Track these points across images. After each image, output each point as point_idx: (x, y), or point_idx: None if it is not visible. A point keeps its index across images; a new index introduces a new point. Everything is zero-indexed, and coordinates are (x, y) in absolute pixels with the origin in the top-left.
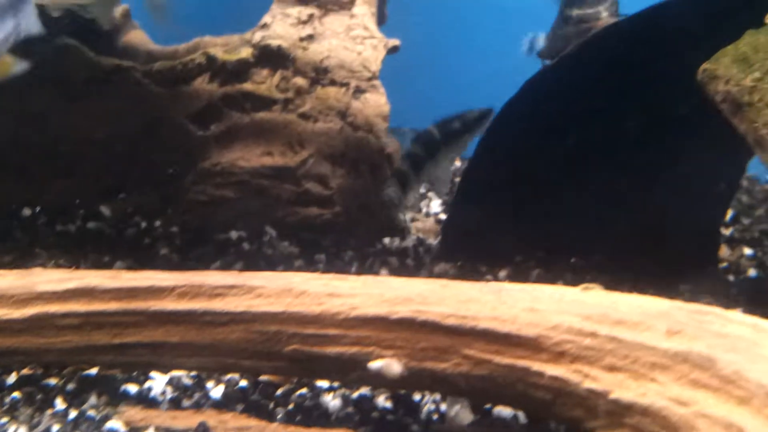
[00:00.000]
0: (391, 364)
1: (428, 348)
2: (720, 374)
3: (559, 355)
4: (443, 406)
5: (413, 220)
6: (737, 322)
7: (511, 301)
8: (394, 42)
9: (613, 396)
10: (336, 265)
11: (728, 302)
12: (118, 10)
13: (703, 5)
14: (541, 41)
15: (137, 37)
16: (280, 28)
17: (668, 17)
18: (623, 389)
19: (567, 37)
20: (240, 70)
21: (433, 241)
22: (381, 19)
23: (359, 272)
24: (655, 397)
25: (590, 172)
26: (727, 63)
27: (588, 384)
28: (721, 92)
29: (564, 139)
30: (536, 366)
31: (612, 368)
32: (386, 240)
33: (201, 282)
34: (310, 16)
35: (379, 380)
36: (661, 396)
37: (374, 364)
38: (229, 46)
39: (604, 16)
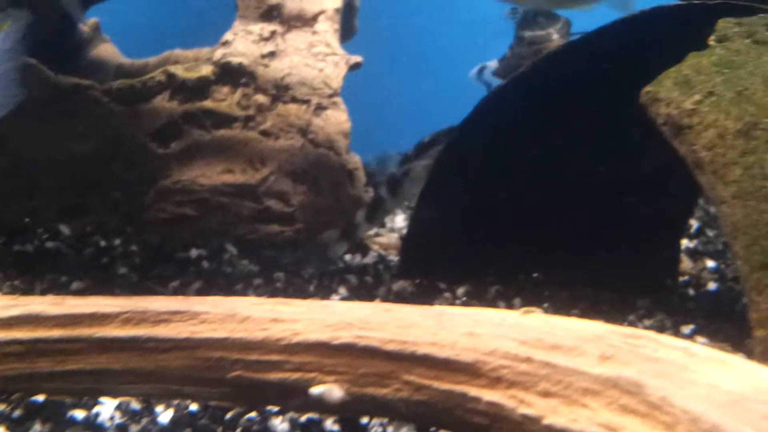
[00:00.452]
0: (332, 390)
1: (369, 374)
2: (648, 400)
3: (495, 381)
4: (390, 429)
5: (377, 235)
6: (669, 346)
7: (452, 325)
8: (356, 59)
9: (546, 422)
10: (295, 283)
11: (684, 317)
12: (88, 24)
13: (650, 26)
14: (491, 67)
15: (107, 50)
16: (241, 45)
17: (614, 39)
18: (556, 415)
19: (520, 58)
20: (200, 88)
21: (394, 257)
22: (350, 32)
23: (318, 291)
24: (586, 422)
25: (546, 189)
26: (669, 85)
27: (523, 410)
28: (662, 115)
29: (517, 157)
30: (474, 391)
31: (546, 394)
32: (347, 257)
33: (145, 308)
34: (273, 33)
35: (321, 406)
36: (592, 422)
37: (316, 390)
38: (199, 60)
39: (555, 38)
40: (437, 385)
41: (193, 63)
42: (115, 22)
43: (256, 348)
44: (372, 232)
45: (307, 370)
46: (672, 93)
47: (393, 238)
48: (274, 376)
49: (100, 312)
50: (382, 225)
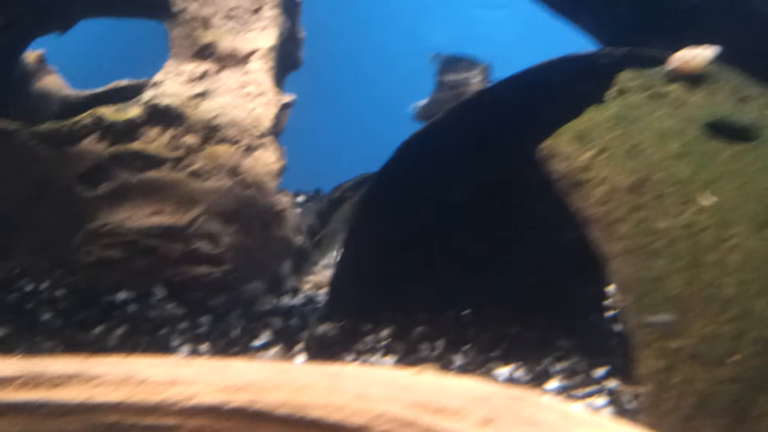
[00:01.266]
0: None
1: None
2: None
3: None
4: None
5: (310, 272)
6: (547, 408)
7: (345, 387)
8: (288, 98)
9: None
10: (219, 327)
11: (600, 358)
12: (33, 55)
13: (563, 73)
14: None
15: (52, 81)
16: (171, 86)
17: (528, 85)
18: None
19: (441, 102)
20: (129, 130)
21: (324, 297)
22: (294, 65)
23: (241, 335)
24: None
25: (466, 230)
26: (566, 140)
27: None
28: (558, 170)
29: (437, 199)
30: None
31: None
32: (277, 298)
33: (43, 371)
34: (205, 72)
35: None
36: None
37: None
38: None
39: (475, 82)
40: None
41: (122, 105)
42: (64, 53)
43: (151, 412)
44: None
45: None
46: (568, 148)
47: (327, 276)
48: None
49: None
50: (315, 263)
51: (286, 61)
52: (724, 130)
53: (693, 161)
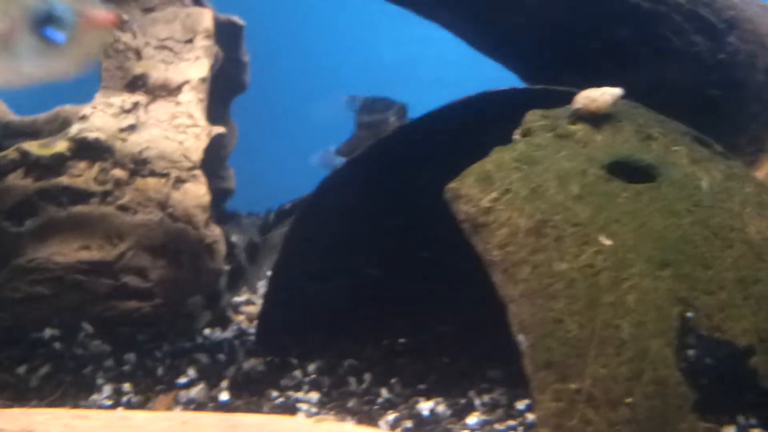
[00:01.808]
0: None
1: None
2: None
3: None
4: None
5: (248, 302)
6: None
7: None
8: (218, 130)
9: None
10: (145, 365)
11: (525, 390)
12: None
13: (479, 111)
14: (332, 151)
15: None
16: (99, 119)
17: (442, 123)
18: None
19: (361, 140)
20: (56, 164)
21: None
22: (240, 88)
23: (166, 373)
24: None
25: (394, 262)
26: (471, 182)
27: None
28: (462, 212)
29: (359, 232)
30: None
31: None
32: (207, 331)
33: None
34: (135, 104)
35: None
36: None
37: None
38: None
39: (392, 121)
40: None
41: (49, 139)
42: None
43: None
44: (242, 298)
45: None
46: (472, 190)
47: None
48: None
49: None
50: (254, 291)
51: (232, 84)
52: (624, 171)
53: (592, 203)
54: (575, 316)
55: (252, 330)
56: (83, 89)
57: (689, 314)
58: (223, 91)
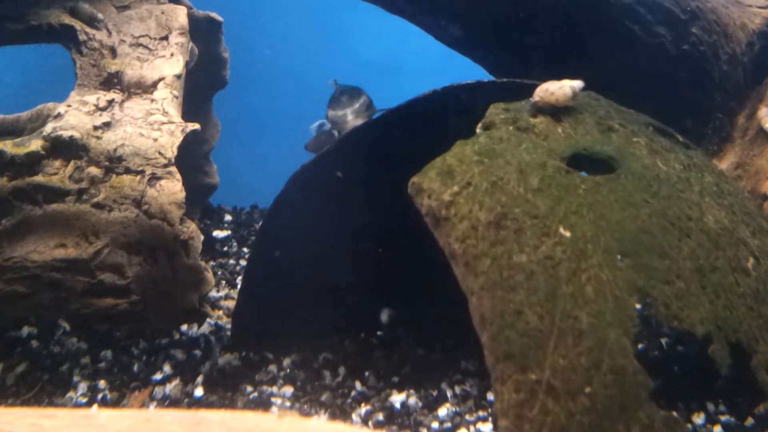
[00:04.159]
0: None
1: None
2: None
3: None
4: None
5: (226, 297)
6: None
7: None
8: (193, 126)
9: None
10: (121, 361)
11: None
12: None
13: (442, 105)
14: (328, 125)
15: None
16: (74, 117)
17: (407, 118)
18: None
19: (327, 135)
20: (31, 163)
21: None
22: (221, 84)
23: (142, 369)
24: None
25: (365, 256)
26: (433, 176)
27: None
28: (425, 206)
29: (329, 226)
30: None
31: None
32: (184, 327)
33: None
34: (110, 102)
35: None
36: None
37: None
38: None
39: (350, 120)
40: None
41: (23, 138)
42: None
43: None
44: (221, 293)
45: None
46: (434, 184)
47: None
48: None
49: None
50: (233, 286)
51: (213, 80)
52: (584, 163)
53: (552, 195)
54: (535, 308)
55: (229, 326)
56: (67, 87)
57: (641, 305)
58: (204, 87)
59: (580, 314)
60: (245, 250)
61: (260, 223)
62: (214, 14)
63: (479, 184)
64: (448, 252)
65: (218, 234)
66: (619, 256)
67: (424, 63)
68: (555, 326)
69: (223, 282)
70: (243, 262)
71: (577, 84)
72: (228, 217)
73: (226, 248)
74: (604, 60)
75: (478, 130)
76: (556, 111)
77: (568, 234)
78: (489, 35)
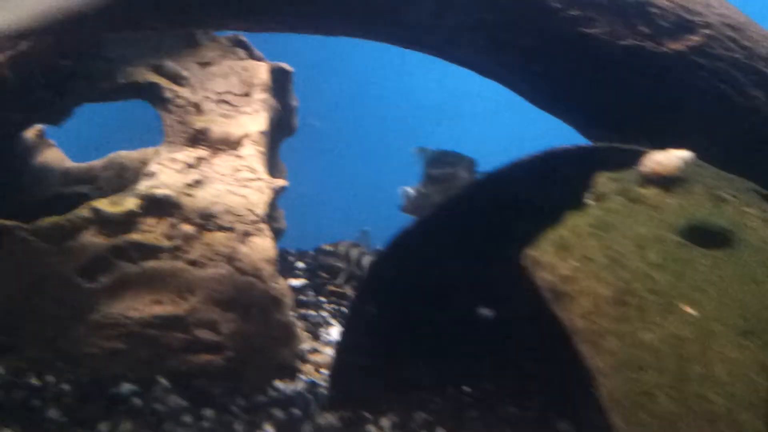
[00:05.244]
0: None
1: None
2: None
3: None
4: None
5: (313, 351)
6: None
7: None
8: (281, 183)
9: None
10: (224, 420)
11: None
12: (32, 131)
13: (557, 167)
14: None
15: (52, 155)
16: (166, 175)
17: (521, 179)
18: None
19: (428, 195)
20: (127, 221)
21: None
22: (289, 131)
23: (245, 429)
24: None
25: (467, 313)
26: (548, 249)
27: None
28: (542, 279)
29: (435, 285)
30: None
31: None
32: (279, 384)
33: None
34: (199, 159)
35: None
36: None
37: None
38: (145, 160)
39: (462, 175)
40: None
41: (117, 196)
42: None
43: None
44: (307, 346)
45: None
46: (550, 257)
47: (328, 353)
48: None
49: None
50: (316, 337)
51: (282, 128)
52: (700, 235)
53: (672, 270)
54: (665, 389)
55: (322, 381)
56: (134, 134)
57: None
58: (273, 134)
59: (713, 396)
60: (322, 299)
61: (361, 281)
62: (284, 64)
63: (598, 259)
64: (570, 327)
65: (294, 282)
66: (744, 335)
67: (485, 105)
68: (687, 409)
69: (307, 334)
70: (323, 313)
71: (687, 154)
72: (300, 264)
73: (305, 297)
74: (697, 124)
75: (588, 201)
76: (665, 181)
77: (694, 312)
78: (578, 95)
